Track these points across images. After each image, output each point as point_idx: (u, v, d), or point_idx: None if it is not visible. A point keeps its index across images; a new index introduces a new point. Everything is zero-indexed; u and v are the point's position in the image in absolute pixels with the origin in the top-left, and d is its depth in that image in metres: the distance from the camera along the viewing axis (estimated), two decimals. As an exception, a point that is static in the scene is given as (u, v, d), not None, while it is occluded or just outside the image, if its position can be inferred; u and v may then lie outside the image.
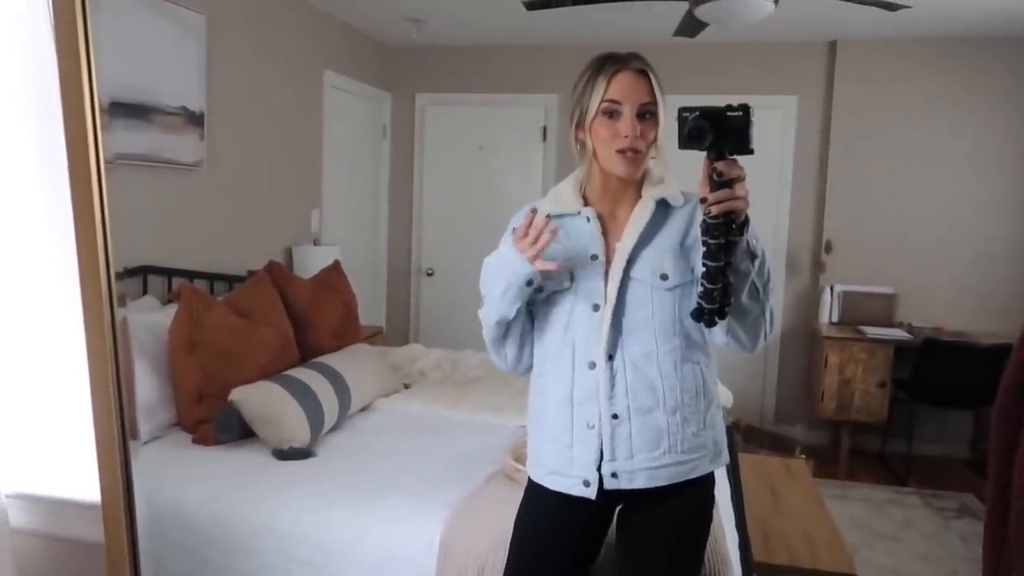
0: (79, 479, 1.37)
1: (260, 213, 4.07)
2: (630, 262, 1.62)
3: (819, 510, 2.86)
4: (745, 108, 1.36)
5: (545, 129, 5.44)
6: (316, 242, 4.60)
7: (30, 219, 1.39)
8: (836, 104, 4.98)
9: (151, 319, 2.80)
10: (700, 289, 1.45)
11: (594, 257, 1.64)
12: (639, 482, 1.61)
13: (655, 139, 1.61)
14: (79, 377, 1.30)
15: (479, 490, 2.26)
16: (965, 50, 4.76)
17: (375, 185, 5.57)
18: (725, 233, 1.38)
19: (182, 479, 2.29)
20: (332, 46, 4.75)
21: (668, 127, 1.57)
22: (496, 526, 1.94)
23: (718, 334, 1.61)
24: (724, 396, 3.22)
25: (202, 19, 3.42)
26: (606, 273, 1.63)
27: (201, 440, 2.60)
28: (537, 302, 1.68)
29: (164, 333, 2.72)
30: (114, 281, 1.27)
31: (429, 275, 5.72)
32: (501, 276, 1.61)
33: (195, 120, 3.43)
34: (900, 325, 4.84)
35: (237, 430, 2.61)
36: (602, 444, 1.61)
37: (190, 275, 3.37)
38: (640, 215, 1.64)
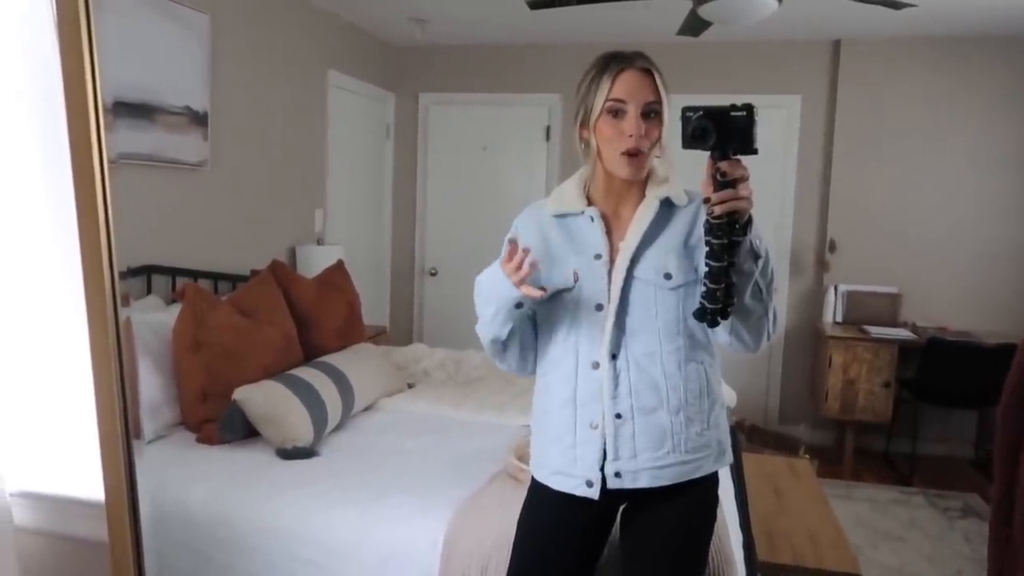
0: (83, 478, 1.37)
1: (264, 213, 4.07)
2: (634, 261, 1.62)
3: (823, 510, 2.85)
4: (749, 108, 1.36)
5: (549, 129, 5.44)
6: (320, 242, 4.61)
7: (34, 218, 1.39)
8: (840, 103, 4.97)
9: (155, 318, 2.81)
10: (703, 289, 1.44)
11: (598, 256, 1.64)
12: (643, 482, 1.61)
13: (659, 138, 1.60)
14: (83, 376, 1.30)
15: (482, 490, 2.26)
16: (969, 50, 4.75)
17: (379, 185, 5.58)
18: (728, 233, 1.38)
19: (186, 478, 2.29)
20: (336, 46, 4.76)
21: (672, 126, 1.57)
22: (499, 526, 1.94)
23: (721, 334, 1.61)
24: (728, 396, 3.22)
25: (206, 19, 3.42)
26: (610, 273, 1.63)
27: (205, 439, 2.60)
28: (541, 303, 1.67)
29: (168, 332, 2.73)
30: (117, 280, 1.27)
31: (433, 275, 5.72)
32: (491, 299, 1.61)
33: (199, 120, 3.44)
34: (904, 325, 4.82)
35: (241, 429, 2.61)
36: (606, 444, 1.61)
37: (194, 275, 3.37)
38: (644, 214, 1.64)
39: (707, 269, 1.42)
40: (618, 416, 1.60)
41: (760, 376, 5.24)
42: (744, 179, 1.36)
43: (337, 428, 2.83)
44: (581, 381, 1.64)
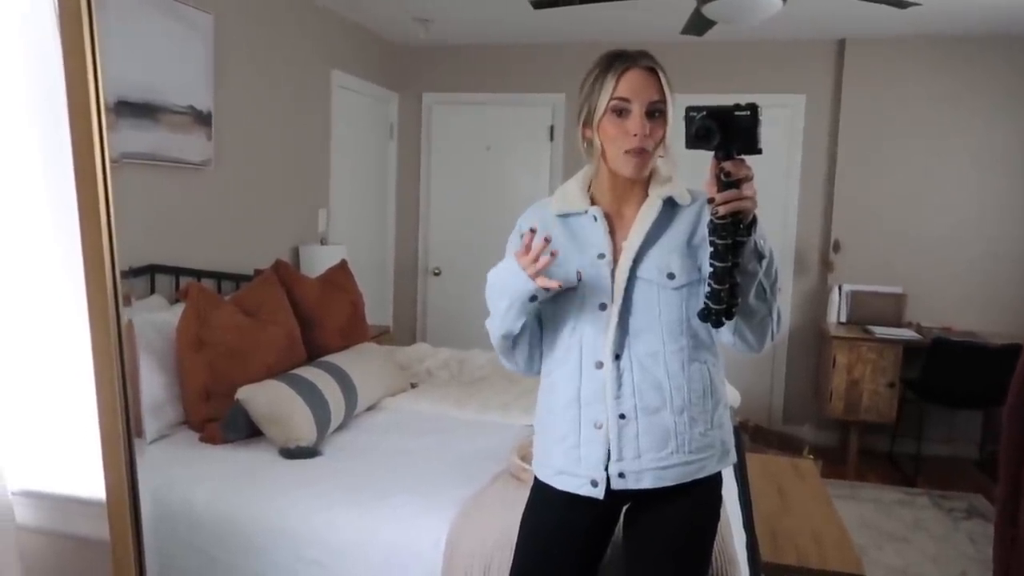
0: (84, 476, 1.37)
1: (267, 212, 4.07)
2: (637, 261, 1.61)
3: (827, 510, 2.85)
4: (753, 108, 1.35)
5: (552, 128, 5.44)
6: (323, 241, 4.61)
7: (36, 218, 1.39)
8: (844, 103, 4.96)
9: (159, 318, 2.81)
10: (707, 289, 1.44)
11: (601, 256, 1.63)
12: (646, 482, 1.60)
13: (663, 138, 1.60)
14: (84, 375, 1.30)
15: (485, 489, 2.26)
16: (974, 49, 4.73)
17: (382, 185, 5.58)
18: (732, 233, 1.38)
19: (190, 478, 2.29)
20: (339, 46, 4.76)
21: (675, 126, 1.56)
22: (502, 525, 1.93)
23: (725, 334, 1.60)
24: (732, 396, 3.21)
25: (210, 19, 3.43)
26: (613, 272, 1.62)
27: (208, 439, 2.60)
28: (544, 303, 1.67)
29: (172, 332, 2.73)
30: (119, 278, 1.27)
31: (436, 274, 5.72)
32: (504, 292, 1.60)
33: (202, 119, 3.44)
34: (909, 325, 4.81)
35: (244, 429, 2.61)
36: (609, 444, 1.60)
37: (197, 274, 3.37)
38: (647, 214, 1.64)
39: (711, 269, 1.41)
40: (622, 416, 1.59)
41: (764, 376, 5.24)
42: (748, 179, 1.35)
43: (340, 428, 2.83)
44: (585, 381, 1.63)
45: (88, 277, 1.25)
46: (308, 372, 2.84)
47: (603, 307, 1.62)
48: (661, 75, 1.59)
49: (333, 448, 2.65)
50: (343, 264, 3.72)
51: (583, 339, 1.64)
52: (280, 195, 4.19)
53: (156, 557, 1.74)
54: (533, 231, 1.56)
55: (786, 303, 5.11)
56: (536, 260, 1.52)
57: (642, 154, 1.58)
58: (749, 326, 1.56)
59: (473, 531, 2.02)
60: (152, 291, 3.14)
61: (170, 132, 3.23)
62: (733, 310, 1.45)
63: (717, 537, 1.73)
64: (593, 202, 1.68)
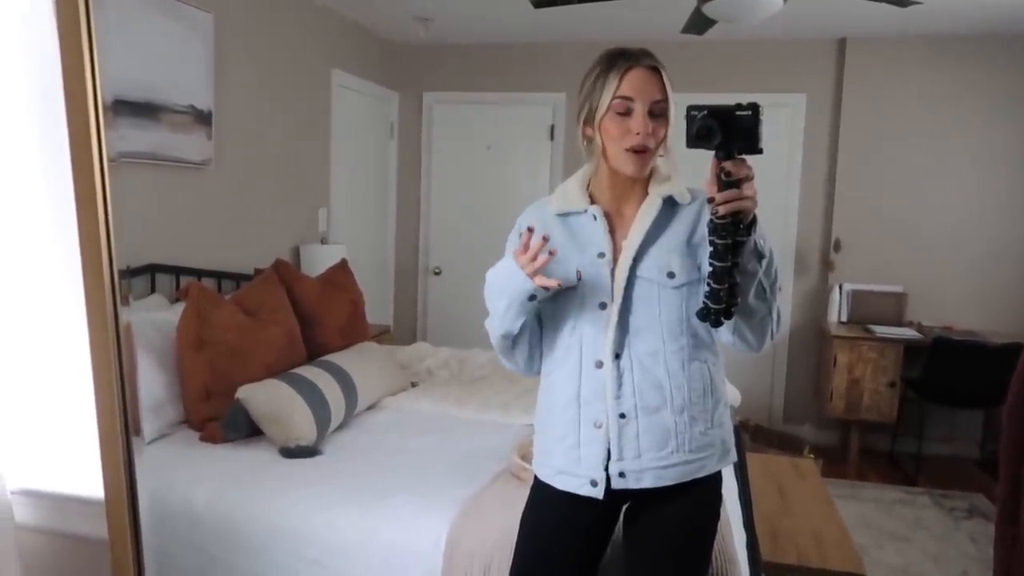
0: (83, 475, 1.37)
1: (267, 212, 4.07)
2: (636, 260, 1.61)
3: (828, 510, 2.84)
4: (754, 107, 1.35)
5: (553, 128, 5.43)
6: (323, 241, 4.61)
7: (34, 216, 1.39)
8: (845, 102, 4.95)
9: (159, 317, 2.81)
10: (707, 289, 1.44)
11: (601, 255, 1.63)
12: (647, 481, 1.60)
13: (665, 137, 1.60)
14: (83, 374, 1.30)
15: (485, 489, 2.25)
16: (974, 48, 4.73)
17: (383, 184, 5.58)
18: (733, 233, 1.37)
19: (190, 477, 2.29)
20: (340, 45, 4.76)
21: (676, 125, 1.56)
22: (502, 525, 1.93)
23: (724, 333, 1.60)
24: (732, 395, 3.21)
25: (210, 18, 3.43)
26: (612, 271, 1.62)
27: (208, 438, 2.60)
28: (544, 302, 1.67)
29: (172, 331, 2.73)
30: (117, 277, 1.27)
31: (436, 274, 5.72)
32: (503, 292, 1.60)
33: (203, 119, 3.44)
34: (910, 324, 4.81)
35: (244, 428, 2.61)
36: (609, 443, 1.60)
37: (198, 273, 3.37)
38: (646, 213, 1.63)
39: (711, 269, 1.41)
40: (622, 416, 1.59)
41: (765, 375, 5.23)
42: (749, 179, 1.35)
43: (340, 427, 2.83)
44: (585, 380, 1.63)
45: (86, 275, 1.25)
46: (308, 371, 2.84)
47: (603, 306, 1.61)
48: (663, 74, 1.59)
49: (333, 447, 2.65)
50: (343, 263, 3.72)
51: (583, 338, 1.63)
52: (280, 194, 4.19)
53: (156, 556, 1.74)
54: (531, 230, 1.56)
55: (786, 302, 5.11)
56: (534, 259, 1.52)
57: (644, 152, 1.57)
58: (749, 325, 1.56)
59: (473, 530, 2.02)
60: (152, 290, 3.14)
61: (170, 131, 3.23)
62: (732, 310, 1.44)
63: (717, 536, 1.73)
64: (593, 201, 1.68)
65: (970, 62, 4.75)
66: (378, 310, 5.25)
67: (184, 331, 2.70)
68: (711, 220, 1.39)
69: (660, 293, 1.60)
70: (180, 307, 2.81)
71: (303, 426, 2.57)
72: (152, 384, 2.63)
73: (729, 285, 1.41)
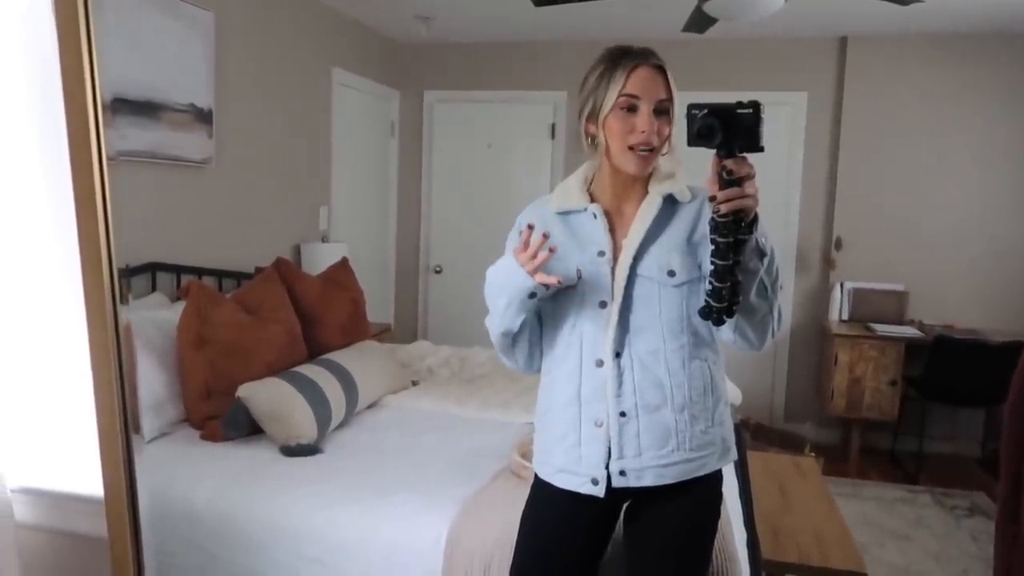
0: (83, 474, 1.37)
1: (268, 210, 4.07)
2: (637, 258, 1.61)
3: (829, 508, 2.84)
4: (755, 105, 1.35)
5: (553, 126, 5.43)
6: (324, 239, 4.61)
7: (34, 215, 1.39)
8: (846, 101, 4.95)
9: (159, 316, 2.81)
10: (708, 287, 1.44)
11: (601, 253, 1.63)
12: (647, 480, 1.60)
13: (669, 136, 1.60)
14: (82, 372, 1.30)
15: (486, 487, 2.25)
16: (976, 46, 4.72)
17: (383, 182, 5.58)
18: (734, 231, 1.37)
19: (191, 475, 2.29)
20: (340, 43, 4.75)
21: (678, 123, 1.56)
22: (503, 523, 1.93)
23: (725, 332, 1.60)
24: (733, 393, 3.20)
25: (210, 16, 3.42)
26: (613, 270, 1.62)
27: (209, 436, 2.60)
28: (544, 301, 1.67)
29: (172, 330, 2.73)
30: (117, 275, 1.27)
31: (437, 272, 5.72)
32: (503, 289, 1.60)
33: (203, 117, 3.44)
34: (911, 323, 4.81)
35: (245, 426, 2.61)
36: (610, 442, 1.60)
37: (198, 272, 3.38)
38: (647, 211, 1.63)
39: (712, 267, 1.41)
40: (622, 414, 1.59)
41: (766, 374, 5.23)
42: (750, 177, 1.35)
43: (341, 425, 2.83)
44: (585, 379, 1.63)
45: (86, 274, 1.25)
46: (309, 370, 2.84)
47: (603, 305, 1.61)
48: (668, 73, 1.59)
49: (334, 446, 2.65)
50: (344, 262, 3.72)
51: (583, 337, 1.63)
52: (281, 193, 4.19)
53: (156, 554, 1.74)
54: (531, 227, 1.56)
55: (788, 301, 5.11)
56: (534, 257, 1.51)
57: (648, 151, 1.57)
58: (750, 324, 1.56)
59: (474, 529, 2.02)
60: (153, 289, 3.14)
61: (171, 130, 3.23)
62: (734, 308, 1.45)
63: (718, 535, 1.73)
64: (593, 199, 1.68)
65: (971, 60, 4.75)
66: (379, 308, 5.25)
67: (185, 329, 2.70)
68: (713, 218, 1.38)
69: (660, 292, 1.60)
70: (181, 306, 2.80)
71: (304, 424, 2.57)
72: (152, 382, 2.63)
73: (731, 283, 1.41)
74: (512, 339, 1.69)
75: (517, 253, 1.55)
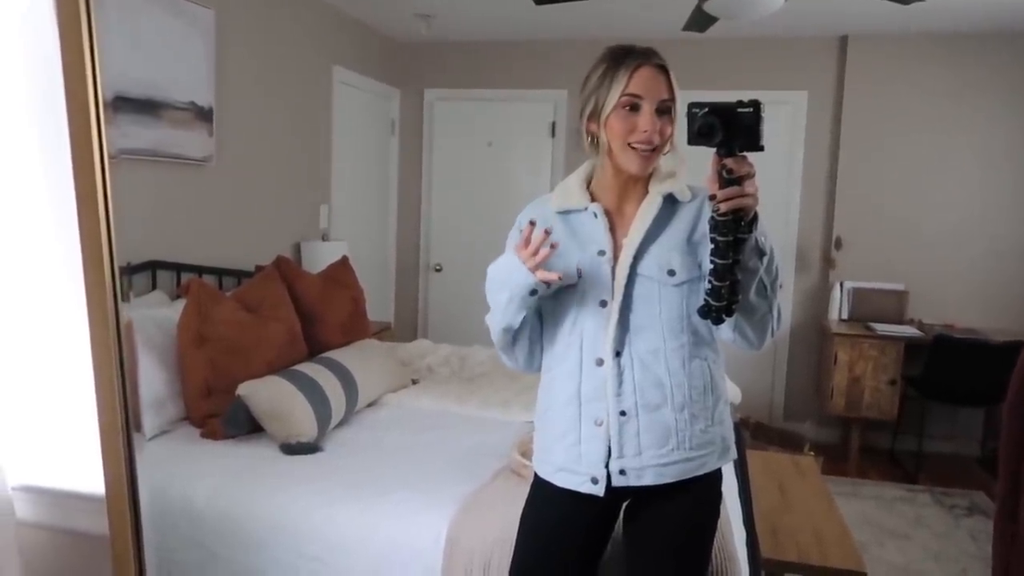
0: (84, 472, 1.38)
1: (268, 208, 4.07)
2: (637, 258, 1.61)
3: (828, 507, 2.84)
4: (756, 104, 1.35)
5: (554, 125, 5.43)
6: (324, 238, 4.61)
7: (35, 213, 1.40)
8: (847, 100, 4.95)
9: (160, 314, 2.81)
10: (708, 286, 1.44)
11: (601, 253, 1.63)
12: (647, 479, 1.60)
13: (671, 135, 1.60)
14: (83, 370, 1.31)
15: (486, 486, 2.26)
16: (977, 46, 4.72)
17: (384, 181, 5.58)
18: (734, 230, 1.38)
19: (191, 473, 2.29)
20: (341, 42, 4.75)
21: (679, 122, 1.56)
22: (503, 522, 1.93)
23: (725, 331, 1.60)
24: (732, 392, 3.20)
25: (211, 14, 3.42)
26: (613, 269, 1.62)
27: (209, 434, 2.61)
28: (544, 299, 1.67)
29: (172, 328, 2.73)
30: (118, 273, 1.27)
31: (437, 271, 5.73)
32: (504, 286, 1.60)
33: (204, 115, 3.44)
34: (911, 322, 4.81)
35: (245, 425, 2.62)
36: (610, 441, 1.60)
37: (199, 270, 3.38)
38: (647, 210, 1.63)
39: (712, 266, 1.41)
40: (622, 413, 1.59)
41: (765, 373, 5.23)
42: (750, 176, 1.35)
43: (341, 424, 2.83)
44: (585, 378, 1.63)
45: (87, 272, 1.25)
46: (309, 368, 2.84)
47: (603, 304, 1.61)
48: (670, 73, 1.59)
49: (334, 444, 2.65)
50: (344, 260, 3.72)
51: (583, 336, 1.63)
52: (281, 191, 4.19)
53: (157, 552, 1.74)
54: (533, 223, 1.56)
55: (787, 300, 5.11)
56: (536, 253, 1.52)
57: (649, 150, 1.58)
58: (750, 323, 1.56)
59: (474, 527, 2.02)
60: (153, 287, 3.14)
61: (171, 128, 3.23)
62: (733, 307, 1.45)
63: (717, 534, 1.73)
64: (593, 198, 1.68)
65: (972, 59, 4.74)
66: (379, 307, 5.25)
67: (185, 328, 2.70)
68: (712, 217, 1.39)
69: (660, 291, 1.60)
70: (181, 304, 2.81)
71: (304, 423, 2.57)
72: (153, 380, 2.64)
73: (730, 282, 1.41)
74: (513, 336, 1.69)
75: (519, 250, 1.55)
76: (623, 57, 1.58)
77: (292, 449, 2.51)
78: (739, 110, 1.35)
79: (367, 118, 5.25)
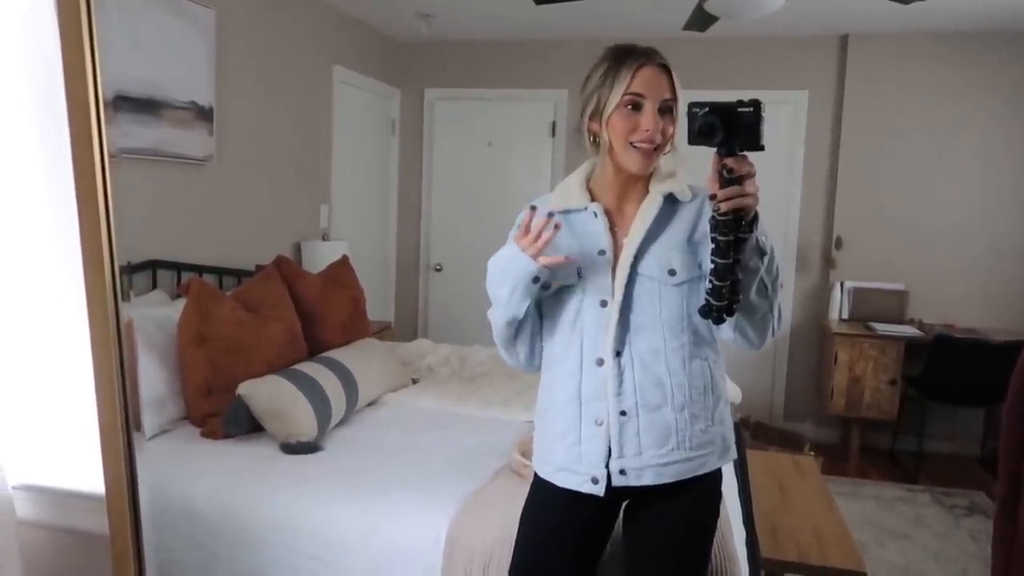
0: (84, 471, 1.38)
1: (269, 208, 4.07)
2: (637, 257, 1.61)
3: (828, 507, 2.84)
4: (756, 104, 1.35)
5: (554, 124, 5.43)
6: (325, 237, 4.61)
7: (35, 212, 1.40)
8: (847, 99, 4.95)
9: (160, 313, 2.81)
10: (708, 286, 1.44)
11: (601, 253, 1.63)
12: (647, 479, 1.60)
13: (672, 135, 1.60)
14: (83, 369, 1.31)
15: (486, 485, 2.26)
16: (977, 45, 4.72)
17: (384, 180, 5.58)
18: (734, 230, 1.38)
19: (191, 473, 2.30)
20: (341, 41, 4.75)
21: (680, 122, 1.56)
22: (502, 522, 1.94)
23: (725, 331, 1.60)
24: (733, 392, 3.21)
25: (211, 14, 3.42)
26: (613, 269, 1.62)
27: (209, 434, 2.61)
28: (545, 299, 1.67)
29: (173, 327, 2.73)
30: (118, 273, 1.27)
31: (437, 270, 5.73)
32: (507, 277, 1.60)
33: (204, 115, 3.44)
34: (911, 322, 4.81)
35: (245, 424, 2.62)
36: (610, 441, 1.60)
37: (199, 269, 3.38)
38: (647, 210, 1.63)
39: (713, 266, 1.41)
40: (623, 413, 1.59)
41: (765, 372, 5.23)
42: (751, 175, 1.35)
43: (341, 423, 2.83)
44: (585, 378, 1.63)
45: (87, 271, 1.25)
46: (309, 368, 2.84)
47: (604, 304, 1.61)
48: (672, 73, 1.59)
49: (334, 444, 2.65)
50: (344, 260, 3.72)
51: (584, 336, 1.63)
52: (282, 191, 4.19)
53: (157, 552, 1.74)
54: (533, 208, 1.56)
55: (788, 299, 5.11)
56: (535, 240, 1.52)
57: (651, 149, 1.58)
58: (750, 322, 1.56)
59: (473, 527, 2.02)
60: (154, 286, 3.14)
61: (172, 128, 3.23)
62: (734, 307, 1.45)
63: (717, 533, 1.73)
64: (593, 198, 1.68)
65: (973, 59, 4.74)
66: (379, 306, 5.25)
67: (185, 327, 2.70)
68: (713, 217, 1.39)
69: (661, 291, 1.60)
70: (181, 303, 2.81)
71: (304, 422, 2.57)
72: (153, 380, 2.64)
73: (731, 282, 1.41)
74: (516, 329, 1.68)
75: (519, 238, 1.55)
76: (625, 56, 1.58)
77: (292, 448, 2.51)
78: (739, 110, 1.36)
79: (367, 118, 5.25)
